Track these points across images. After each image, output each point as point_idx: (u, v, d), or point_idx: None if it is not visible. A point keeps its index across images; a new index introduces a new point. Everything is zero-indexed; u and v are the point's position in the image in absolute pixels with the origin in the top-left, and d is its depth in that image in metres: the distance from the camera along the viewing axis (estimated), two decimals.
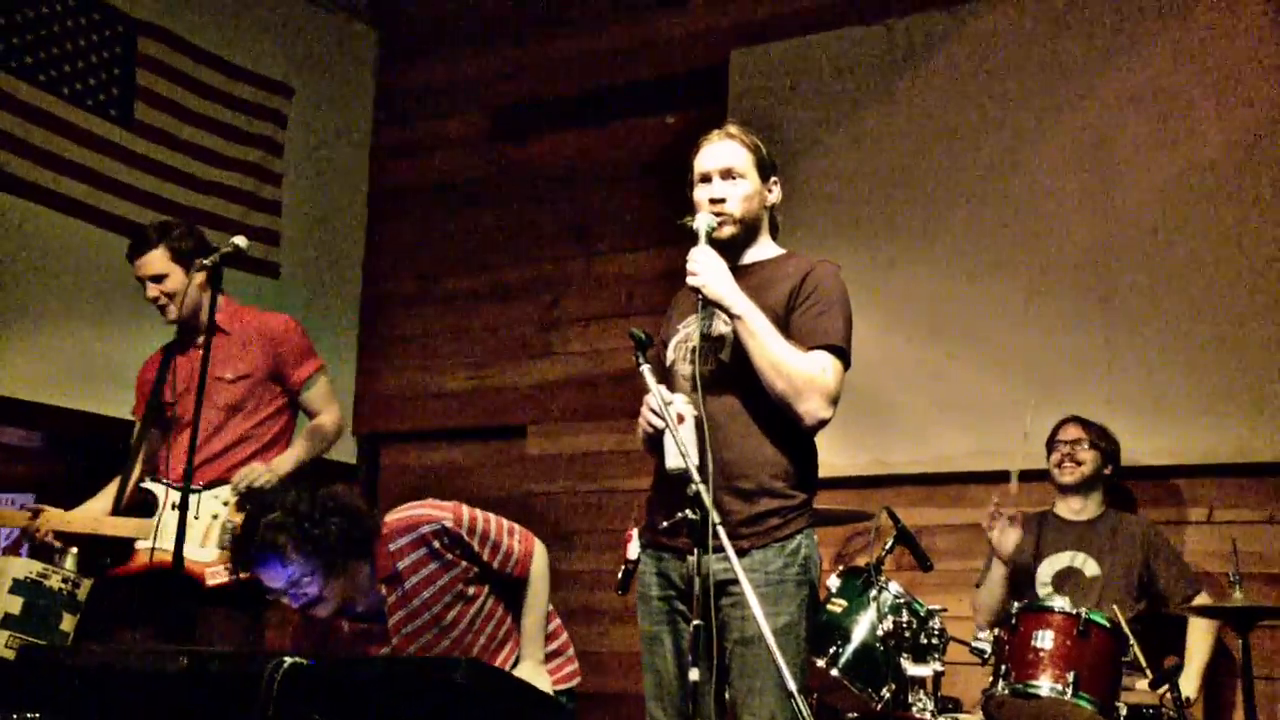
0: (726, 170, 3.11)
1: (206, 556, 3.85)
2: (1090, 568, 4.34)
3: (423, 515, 3.28)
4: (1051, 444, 4.49)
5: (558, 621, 3.56)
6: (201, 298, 4.00)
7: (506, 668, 3.32)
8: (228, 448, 4.00)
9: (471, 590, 3.32)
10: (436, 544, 3.26)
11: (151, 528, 3.87)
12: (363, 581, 3.24)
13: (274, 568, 3.11)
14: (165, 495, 3.94)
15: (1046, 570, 4.38)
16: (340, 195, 6.55)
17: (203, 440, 3.91)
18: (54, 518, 3.89)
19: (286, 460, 4.04)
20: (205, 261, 3.81)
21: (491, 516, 3.37)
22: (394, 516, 3.31)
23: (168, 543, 3.75)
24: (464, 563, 3.29)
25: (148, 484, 3.98)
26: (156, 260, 4.00)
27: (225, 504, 3.93)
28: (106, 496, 4.05)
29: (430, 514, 3.28)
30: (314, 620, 3.34)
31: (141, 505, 3.98)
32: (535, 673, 3.30)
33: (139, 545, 3.90)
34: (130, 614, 3.91)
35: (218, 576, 3.84)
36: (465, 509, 3.33)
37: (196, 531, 3.85)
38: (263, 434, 4.07)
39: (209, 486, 3.92)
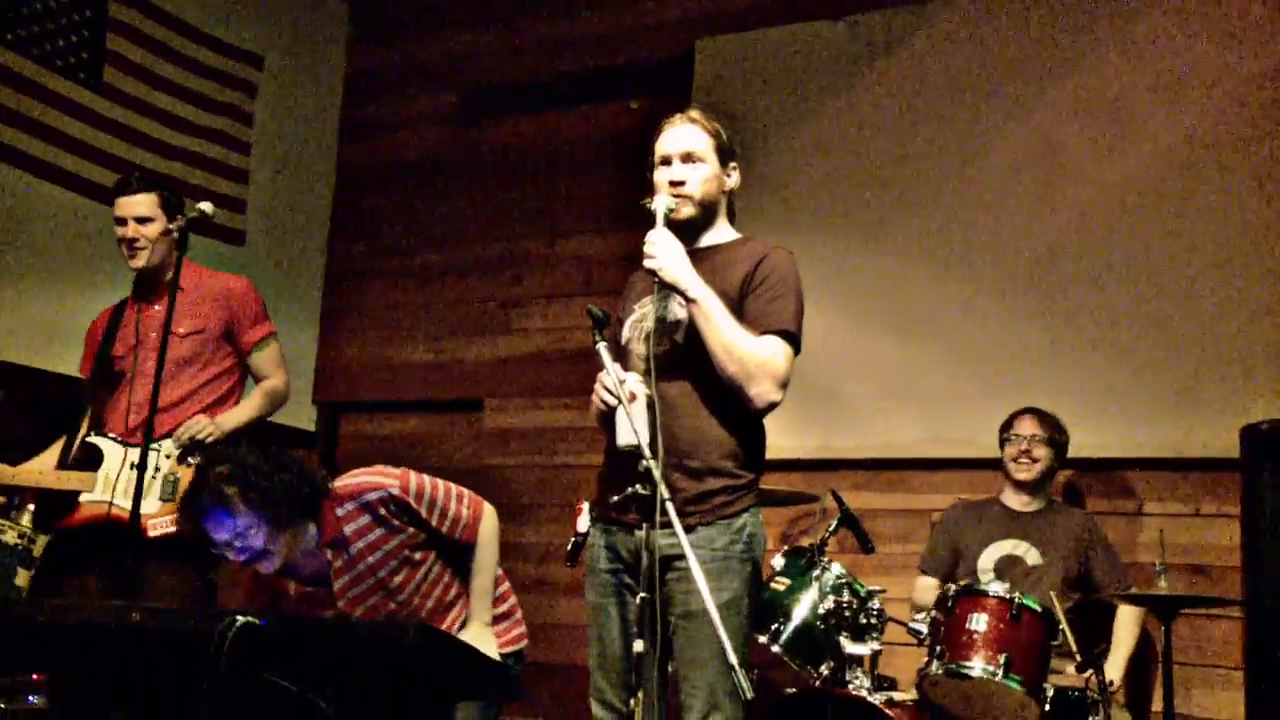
0: (687, 154, 3.15)
1: (149, 508, 3.84)
2: (1032, 556, 4.41)
3: (370, 483, 3.29)
4: (1006, 436, 4.54)
5: (506, 585, 3.58)
6: (169, 254, 4.03)
7: (454, 630, 3.34)
8: (175, 403, 3.99)
9: (418, 555, 3.33)
10: (383, 510, 3.27)
11: (93, 481, 3.91)
12: (307, 542, 3.25)
13: (220, 519, 3.11)
14: (110, 449, 3.96)
15: (988, 558, 4.45)
16: (308, 166, 6.55)
17: (148, 395, 3.92)
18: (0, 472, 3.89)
19: (233, 416, 4.07)
20: (174, 224, 3.84)
21: (440, 482, 3.38)
22: (342, 482, 3.33)
23: (113, 496, 3.83)
24: (410, 529, 3.30)
25: (93, 439, 3.98)
26: (146, 203, 4.02)
27: (168, 456, 3.95)
28: (53, 452, 4.05)
29: (378, 481, 3.29)
30: (263, 581, 3.37)
31: (85, 460, 3.99)
32: (481, 635, 3.31)
33: (83, 499, 3.91)
34: (75, 567, 3.92)
35: (160, 528, 3.85)
36: (413, 475, 3.35)
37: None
38: (210, 391, 4.09)
39: (159, 440, 3.91)
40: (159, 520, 3.87)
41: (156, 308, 4.08)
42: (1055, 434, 4.52)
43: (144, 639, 2.64)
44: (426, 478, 3.38)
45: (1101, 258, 4.90)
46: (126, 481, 3.86)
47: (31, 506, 3.92)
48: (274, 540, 3.15)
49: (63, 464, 4.01)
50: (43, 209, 5.17)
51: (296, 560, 3.26)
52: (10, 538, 3.85)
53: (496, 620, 3.46)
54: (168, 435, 3.96)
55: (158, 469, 3.92)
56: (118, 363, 4.07)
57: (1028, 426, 4.51)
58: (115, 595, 3.78)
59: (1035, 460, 4.49)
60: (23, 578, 3.86)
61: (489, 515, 3.43)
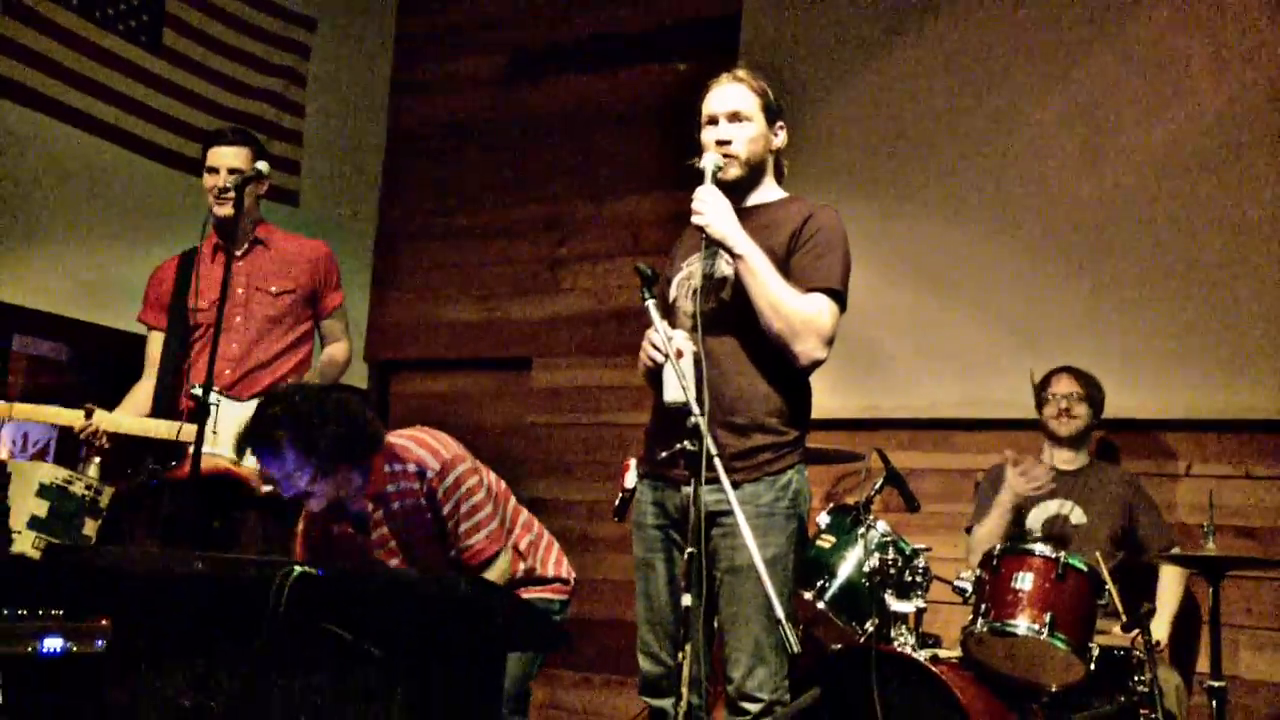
0: (733, 113, 3.16)
1: (254, 464, 3.86)
2: (1077, 515, 4.40)
3: (421, 456, 3.30)
4: (1043, 395, 4.53)
5: (548, 537, 3.60)
6: (254, 207, 4.11)
7: None
8: (273, 359, 4.05)
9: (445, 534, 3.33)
10: (418, 485, 3.28)
11: (194, 432, 3.82)
12: (352, 491, 3.28)
13: (268, 459, 3.19)
14: (218, 404, 3.94)
15: (1036, 517, 4.44)
16: (360, 128, 6.62)
17: (245, 350, 4.00)
18: (105, 419, 3.88)
19: (324, 372, 4.14)
20: (266, 174, 3.88)
21: (481, 499, 3.33)
22: (399, 439, 3.35)
23: (221, 448, 3.86)
24: (434, 513, 3.31)
25: (197, 391, 3.87)
26: (243, 155, 4.06)
27: None
28: (136, 402, 4.06)
29: (424, 457, 3.30)
30: (315, 521, 3.43)
31: (170, 411, 4.01)
32: None
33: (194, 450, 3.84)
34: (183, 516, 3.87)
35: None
36: (462, 469, 3.32)
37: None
38: (296, 352, 4.14)
39: (253, 397, 3.95)
40: None
41: (241, 263, 4.10)
42: (1093, 391, 4.51)
43: (205, 587, 2.70)
44: (473, 484, 3.34)
45: (1145, 218, 4.87)
46: (235, 437, 3.92)
47: (98, 459, 3.98)
48: (317, 484, 3.20)
49: (154, 414, 4.00)
50: (104, 169, 5.26)
51: (343, 503, 3.31)
52: (79, 489, 3.90)
53: (532, 583, 3.47)
54: (263, 393, 3.95)
55: None
56: (197, 314, 4.06)
57: (1065, 385, 4.50)
58: (219, 546, 3.80)
59: (1075, 417, 4.48)
60: (90, 527, 3.93)
61: (502, 560, 3.35)
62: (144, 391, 4.09)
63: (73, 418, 3.86)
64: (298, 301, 4.15)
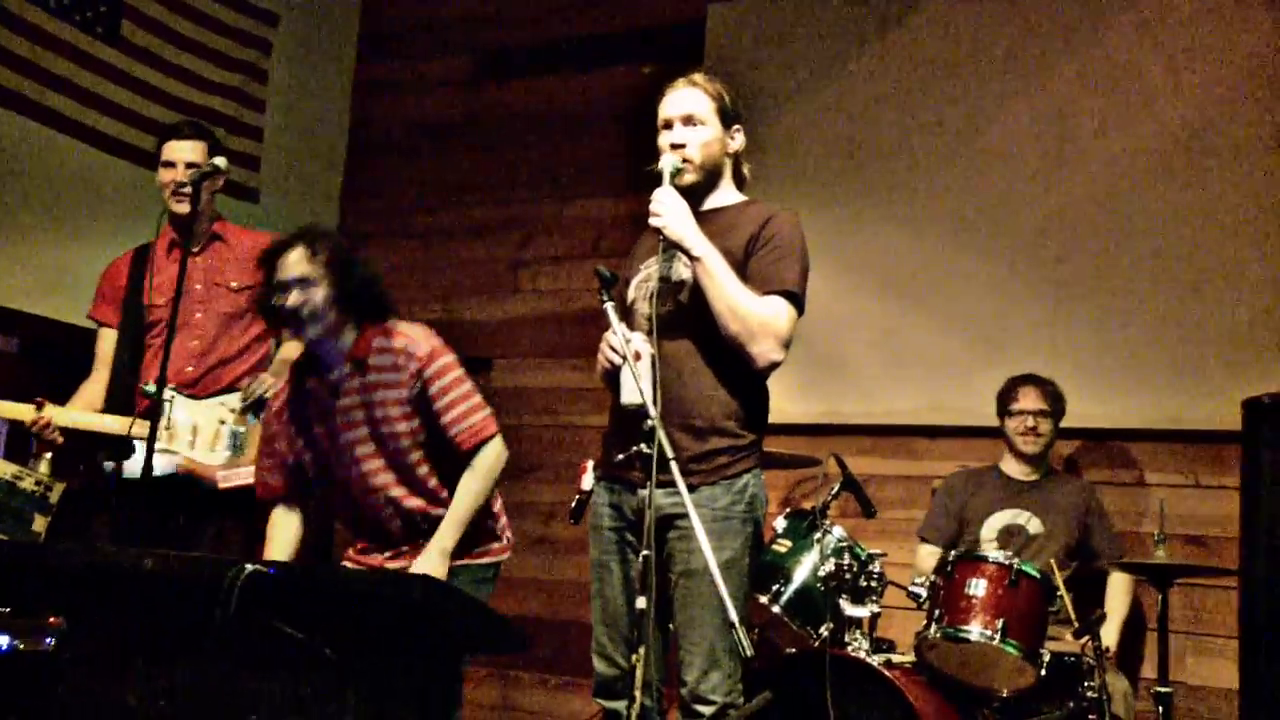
0: (688, 116, 3.17)
1: (217, 460, 3.90)
2: (1034, 525, 4.44)
3: (413, 338, 3.36)
4: (1009, 409, 4.55)
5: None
6: (210, 202, 4.06)
7: (418, 544, 3.33)
8: (234, 356, 4.02)
9: (415, 425, 3.33)
10: (402, 362, 3.31)
11: (147, 429, 3.77)
12: (341, 340, 3.35)
13: (305, 258, 3.30)
14: (172, 400, 3.90)
15: (990, 527, 4.48)
16: (321, 125, 6.57)
17: (207, 346, 3.96)
18: (57, 413, 3.84)
19: (282, 367, 4.04)
20: (223, 168, 3.80)
21: (469, 385, 3.38)
22: (399, 325, 3.41)
23: (177, 445, 3.83)
24: (413, 410, 3.33)
25: (149, 388, 3.81)
26: (199, 150, 4.02)
27: (232, 411, 3.95)
28: (87, 399, 4.01)
29: (414, 339, 3.36)
30: (300, 392, 3.45)
31: (123, 409, 3.95)
32: (436, 562, 3.26)
33: (142, 446, 3.76)
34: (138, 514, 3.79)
35: (231, 480, 3.88)
36: (450, 358, 3.38)
37: (204, 437, 3.90)
38: (256, 349, 4.10)
39: (216, 394, 3.95)
40: (229, 472, 3.90)
41: (198, 259, 4.05)
42: (1057, 405, 4.54)
43: (155, 584, 2.66)
44: (462, 372, 3.39)
45: (1107, 228, 4.92)
46: (192, 434, 3.88)
47: (49, 455, 3.92)
48: (323, 309, 3.29)
49: (105, 409, 3.96)
50: (57, 161, 5.18)
51: (326, 346, 3.36)
52: (28, 485, 3.85)
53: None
54: (225, 390, 3.98)
55: (222, 422, 3.94)
56: (154, 311, 4.01)
57: (1032, 400, 4.52)
58: (176, 546, 3.75)
59: (1040, 435, 4.51)
60: (39, 524, 3.87)
61: (496, 443, 3.36)
62: (95, 388, 4.04)
63: (23, 411, 3.82)
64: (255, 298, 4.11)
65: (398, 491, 3.36)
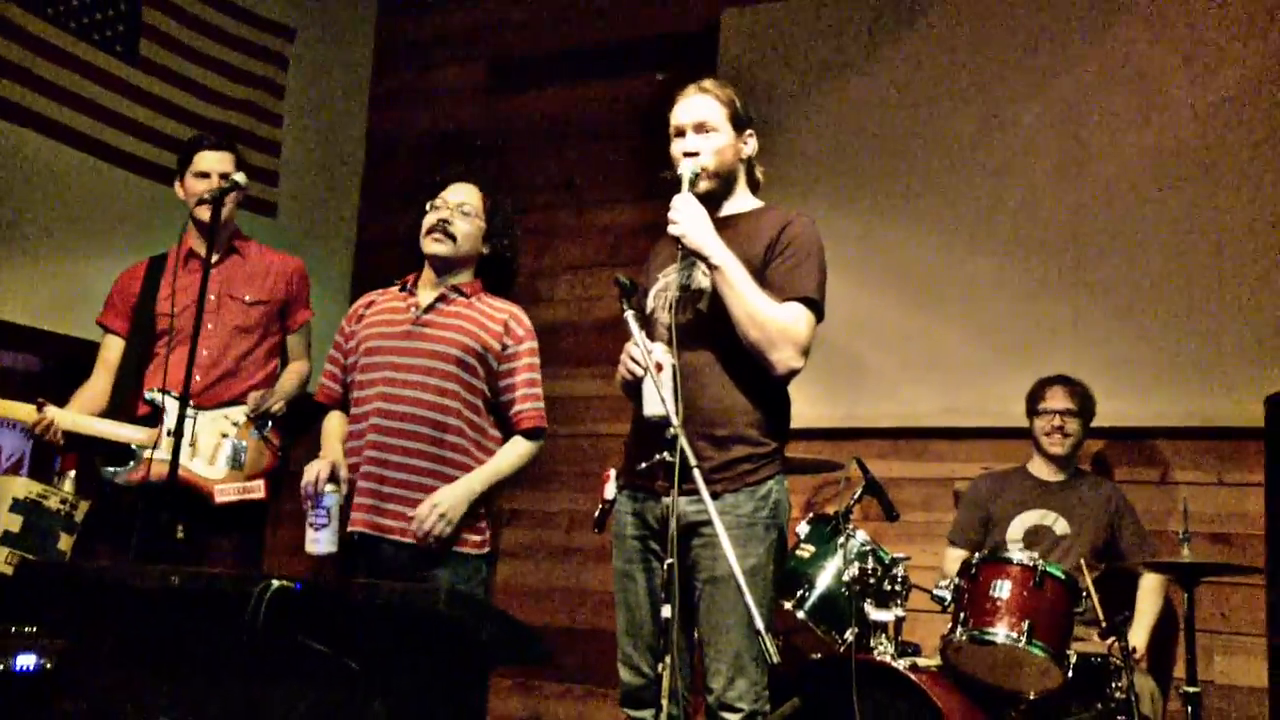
0: (699, 124, 3.16)
1: (215, 474, 3.89)
2: (1061, 526, 4.42)
3: (520, 314, 3.65)
4: (1037, 408, 4.53)
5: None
6: (232, 215, 4.07)
7: (449, 473, 3.43)
8: (240, 370, 4.02)
9: (480, 372, 3.50)
10: (502, 320, 3.57)
11: (155, 437, 3.81)
12: (457, 274, 3.61)
13: (479, 185, 3.65)
14: (174, 409, 3.83)
15: (1017, 528, 4.46)
16: (338, 138, 6.60)
17: (215, 357, 3.96)
18: (59, 415, 3.86)
19: (287, 392, 4.08)
20: (240, 180, 3.81)
21: (537, 377, 3.59)
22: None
23: (183, 457, 3.77)
24: (489, 353, 3.51)
25: (154, 395, 3.90)
26: (229, 160, 4.06)
27: (235, 424, 3.95)
28: (88, 402, 3.99)
29: (523, 319, 3.64)
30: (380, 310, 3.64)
31: (124, 415, 3.96)
32: (461, 497, 3.37)
33: (145, 454, 3.82)
34: (129, 523, 3.80)
35: (226, 494, 3.88)
36: (536, 347, 3.62)
37: (204, 448, 3.90)
38: (266, 364, 4.10)
39: (219, 406, 3.95)
40: (226, 487, 3.90)
41: (215, 270, 4.00)
42: (1086, 404, 4.52)
43: (181, 601, 2.68)
44: (532, 362, 3.60)
45: (1126, 228, 4.90)
46: (191, 445, 3.86)
47: (73, 472, 3.93)
48: (465, 242, 3.57)
49: (113, 416, 3.96)
50: (79, 179, 5.22)
51: (444, 266, 3.60)
52: (53, 503, 3.86)
53: (476, 528, 3.49)
54: (230, 403, 3.98)
55: (224, 435, 3.94)
56: (166, 320, 3.98)
57: (1060, 400, 4.50)
58: (160, 558, 3.71)
59: (1068, 435, 4.49)
60: (65, 542, 3.88)
61: (541, 440, 3.57)
62: (96, 391, 4.04)
63: (23, 412, 3.84)
64: (269, 313, 4.12)
65: (441, 417, 3.43)
